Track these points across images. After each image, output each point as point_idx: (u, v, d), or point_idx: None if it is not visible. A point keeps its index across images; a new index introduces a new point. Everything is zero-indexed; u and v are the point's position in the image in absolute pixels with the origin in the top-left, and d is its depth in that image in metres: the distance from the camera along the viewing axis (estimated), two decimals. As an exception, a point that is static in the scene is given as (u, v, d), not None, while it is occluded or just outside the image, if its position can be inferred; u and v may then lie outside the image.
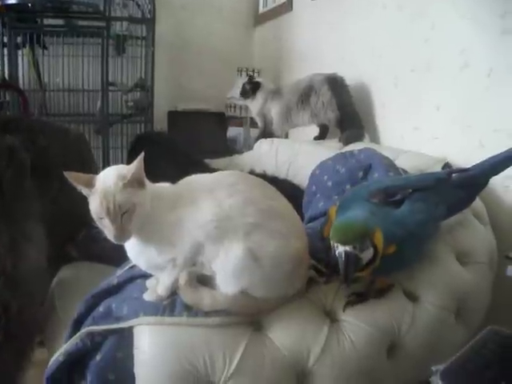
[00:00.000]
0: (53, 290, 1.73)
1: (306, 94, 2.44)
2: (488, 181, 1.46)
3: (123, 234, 1.09)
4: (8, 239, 1.43)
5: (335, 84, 2.38)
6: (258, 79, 2.86)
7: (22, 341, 1.47)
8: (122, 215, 1.07)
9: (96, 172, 1.17)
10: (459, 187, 1.40)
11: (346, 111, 2.33)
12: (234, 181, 1.18)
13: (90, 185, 1.09)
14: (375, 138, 2.40)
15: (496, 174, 1.46)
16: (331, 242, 1.14)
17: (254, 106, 2.82)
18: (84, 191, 1.10)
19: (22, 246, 1.47)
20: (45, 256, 1.57)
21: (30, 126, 1.87)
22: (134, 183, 1.09)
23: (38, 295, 1.56)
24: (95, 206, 1.07)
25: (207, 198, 1.13)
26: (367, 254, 1.12)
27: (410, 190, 1.32)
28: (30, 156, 1.63)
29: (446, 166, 1.67)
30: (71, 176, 1.08)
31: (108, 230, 1.08)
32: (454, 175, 1.42)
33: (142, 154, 1.10)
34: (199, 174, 1.23)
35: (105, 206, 1.05)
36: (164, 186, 1.21)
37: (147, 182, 1.15)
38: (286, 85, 2.76)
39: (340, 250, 1.11)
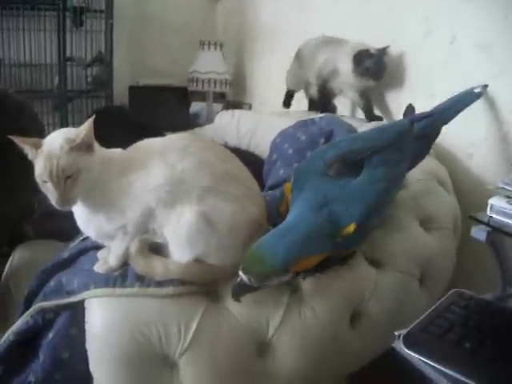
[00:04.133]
0: (7, 271, 1.66)
1: None
2: (441, 129, 1.48)
3: (66, 199, 1.04)
4: None
5: None
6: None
7: None
8: (66, 180, 1.02)
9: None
10: (417, 138, 1.36)
11: None
12: (185, 144, 1.14)
13: (35, 147, 1.04)
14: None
15: (450, 120, 1.49)
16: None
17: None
18: (30, 155, 1.05)
19: None
20: None
21: None
22: (82, 147, 1.05)
23: None
24: (39, 168, 1.03)
25: (158, 162, 1.09)
26: (272, 282, 1.06)
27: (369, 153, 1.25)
28: None
29: (410, 109, 1.59)
30: (17, 139, 1.03)
31: (51, 194, 1.04)
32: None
33: (93, 117, 1.06)
34: (150, 139, 1.17)
35: (48, 168, 1.01)
36: (114, 151, 1.16)
37: (97, 147, 1.10)
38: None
39: (240, 273, 1.03)
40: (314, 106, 2.36)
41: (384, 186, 1.21)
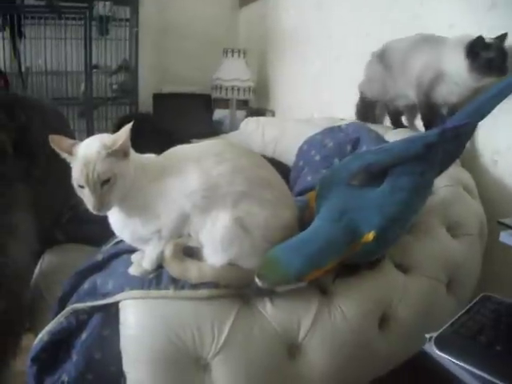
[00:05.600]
0: (38, 274, 1.69)
1: None
2: (476, 126, 1.42)
3: (103, 204, 1.05)
4: None
5: None
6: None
7: (7, 340, 1.43)
8: (103, 185, 1.04)
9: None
10: (448, 142, 1.33)
11: None
12: (221, 150, 1.15)
13: (72, 151, 1.06)
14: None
15: (483, 118, 1.41)
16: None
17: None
18: (67, 158, 1.07)
19: (6, 244, 1.41)
20: (31, 246, 1.52)
21: (7, 102, 1.75)
22: (118, 153, 1.06)
23: (24, 292, 1.51)
24: (75, 173, 1.04)
25: (194, 168, 1.10)
26: (284, 288, 1.09)
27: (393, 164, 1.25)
28: (11, 135, 1.56)
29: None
30: (54, 140, 1.05)
31: (87, 199, 1.05)
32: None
33: (129, 125, 1.07)
34: (184, 145, 1.19)
35: (85, 173, 1.02)
36: (149, 156, 1.18)
37: (132, 153, 1.11)
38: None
39: (256, 279, 1.06)
40: (396, 121, 2.00)
41: (405, 196, 1.20)
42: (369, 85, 2.08)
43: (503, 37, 1.58)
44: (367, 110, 2.11)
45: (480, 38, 1.58)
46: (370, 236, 1.12)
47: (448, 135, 1.33)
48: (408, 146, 1.33)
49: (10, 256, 1.41)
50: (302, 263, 1.07)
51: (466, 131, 1.39)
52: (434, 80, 1.73)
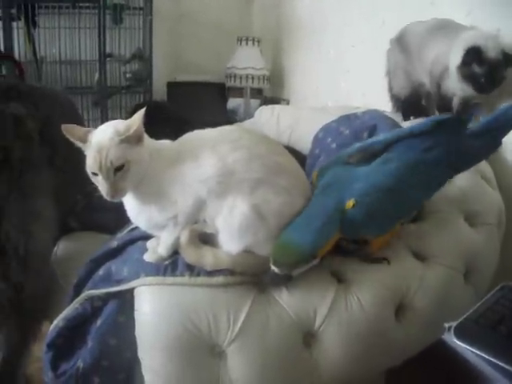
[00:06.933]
0: (53, 261, 1.69)
1: None
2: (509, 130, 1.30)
3: (117, 191, 1.05)
4: (19, 219, 1.40)
5: None
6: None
7: (30, 323, 1.49)
8: (116, 172, 1.03)
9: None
10: (475, 136, 1.28)
11: None
12: (237, 136, 1.14)
13: (85, 139, 1.06)
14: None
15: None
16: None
17: None
18: (81, 146, 1.07)
19: (32, 226, 1.44)
20: (52, 232, 1.56)
21: (31, 92, 1.78)
22: (132, 139, 1.05)
23: (47, 272, 1.55)
24: (89, 160, 1.04)
25: (210, 153, 1.09)
26: (302, 269, 1.08)
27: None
28: (37, 124, 1.58)
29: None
30: (67, 129, 1.05)
31: (101, 186, 1.05)
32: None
33: (143, 110, 1.06)
34: (200, 130, 1.18)
35: (98, 160, 1.02)
36: (164, 142, 1.17)
37: (146, 139, 1.11)
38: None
39: (272, 267, 1.06)
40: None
41: (394, 167, 1.17)
42: (396, 79, 2.00)
43: (510, 56, 1.53)
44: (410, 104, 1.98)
45: (479, 50, 1.53)
46: (351, 203, 1.11)
47: (466, 122, 1.29)
48: (415, 125, 1.29)
49: (36, 239, 1.44)
50: (314, 237, 1.07)
51: (498, 127, 1.30)
52: (443, 72, 1.70)
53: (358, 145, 1.28)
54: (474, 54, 1.54)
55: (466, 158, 1.30)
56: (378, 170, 1.17)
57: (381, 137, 1.30)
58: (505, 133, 1.30)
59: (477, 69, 1.54)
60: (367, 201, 1.13)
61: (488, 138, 1.30)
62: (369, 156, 1.21)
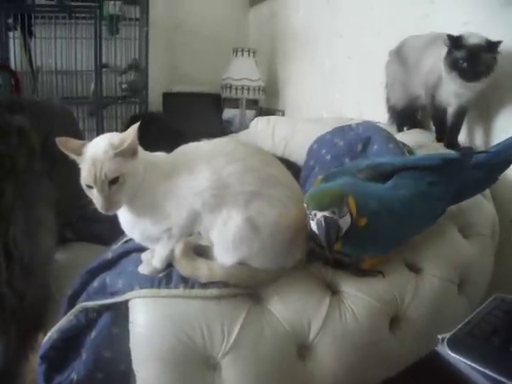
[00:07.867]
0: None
1: None
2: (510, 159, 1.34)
3: (111, 204, 1.05)
4: (25, 225, 1.41)
5: None
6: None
7: (32, 329, 1.49)
8: (111, 185, 1.03)
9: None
10: (476, 168, 1.31)
11: None
12: (232, 148, 1.15)
13: (80, 152, 1.06)
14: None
15: None
16: (307, 212, 1.07)
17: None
18: (76, 158, 1.07)
19: (37, 233, 1.45)
20: (54, 242, 1.56)
21: (33, 106, 1.81)
22: (126, 152, 1.05)
23: (47, 282, 1.55)
24: (84, 173, 1.04)
25: (204, 166, 1.09)
26: (345, 222, 1.06)
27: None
28: (40, 137, 1.60)
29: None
30: (62, 142, 1.05)
31: (96, 199, 1.05)
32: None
33: (137, 124, 1.07)
34: (195, 143, 1.19)
35: (92, 173, 1.02)
36: (158, 155, 1.17)
37: (141, 151, 1.11)
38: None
39: (319, 216, 1.04)
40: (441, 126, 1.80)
41: (407, 195, 1.18)
42: (393, 91, 2.02)
43: (494, 44, 1.53)
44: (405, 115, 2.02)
45: (459, 37, 1.56)
46: (363, 221, 1.09)
47: (470, 160, 1.31)
48: (425, 157, 1.33)
49: (41, 248, 1.46)
50: (342, 183, 1.13)
51: (495, 161, 1.34)
52: (436, 82, 1.71)
53: (366, 161, 1.29)
54: (454, 42, 1.57)
55: (466, 191, 1.34)
56: (391, 195, 1.18)
57: (388, 159, 1.32)
58: (502, 170, 1.36)
59: (457, 54, 1.55)
60: (379, 222, 1.13)
61: (487, 171, 1.34)
62: (377, 176, 1.22)
